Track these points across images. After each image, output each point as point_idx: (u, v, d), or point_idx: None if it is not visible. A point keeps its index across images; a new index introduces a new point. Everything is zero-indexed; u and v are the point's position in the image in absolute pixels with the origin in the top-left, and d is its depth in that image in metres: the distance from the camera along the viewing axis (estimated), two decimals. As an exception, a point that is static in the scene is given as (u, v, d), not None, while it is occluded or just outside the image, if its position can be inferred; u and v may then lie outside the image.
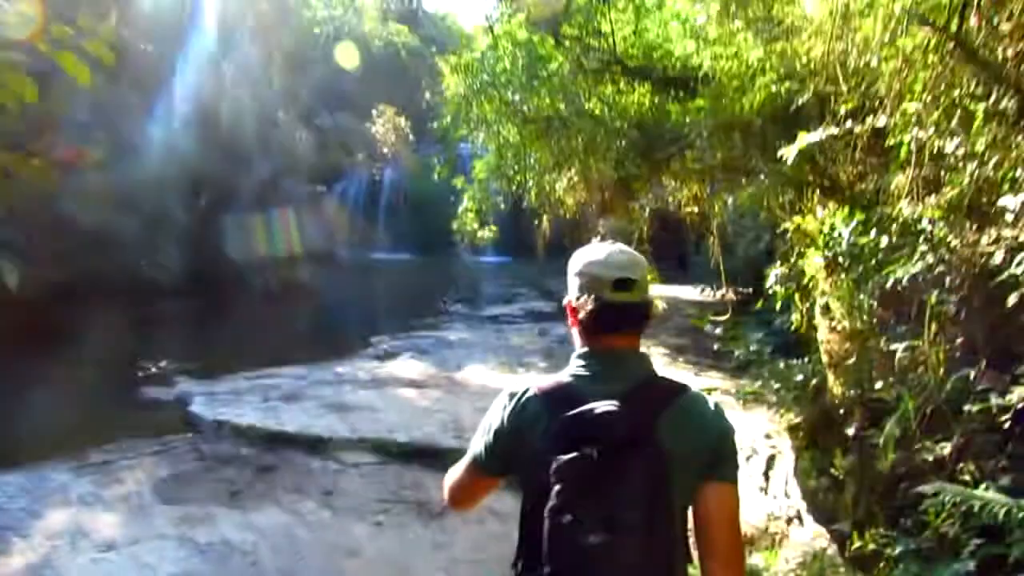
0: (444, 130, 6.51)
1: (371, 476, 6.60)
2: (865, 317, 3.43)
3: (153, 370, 10.55)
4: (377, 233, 25.89)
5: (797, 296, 6.58)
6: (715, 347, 9.39)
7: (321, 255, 18.91)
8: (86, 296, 13.31)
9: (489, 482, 1.92)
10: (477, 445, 1.87)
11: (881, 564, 2.75)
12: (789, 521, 3.92)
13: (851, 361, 3.28)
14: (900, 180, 3.22)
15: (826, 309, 5.98)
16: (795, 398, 3.64)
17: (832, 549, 3.36)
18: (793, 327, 6.99)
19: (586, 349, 1.82)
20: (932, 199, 3.08)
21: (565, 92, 5.49)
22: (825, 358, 6.13)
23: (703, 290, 13.01)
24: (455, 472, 1.96)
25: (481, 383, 9.78)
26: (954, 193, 2.98)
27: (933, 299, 2.95)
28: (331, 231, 19.51)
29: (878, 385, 3.12)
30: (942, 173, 3.11)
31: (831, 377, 5.97)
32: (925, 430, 2.81)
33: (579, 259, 1.83)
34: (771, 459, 3.93)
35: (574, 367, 1.81)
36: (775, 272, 6.85)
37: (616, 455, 1.58)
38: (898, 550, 2.70)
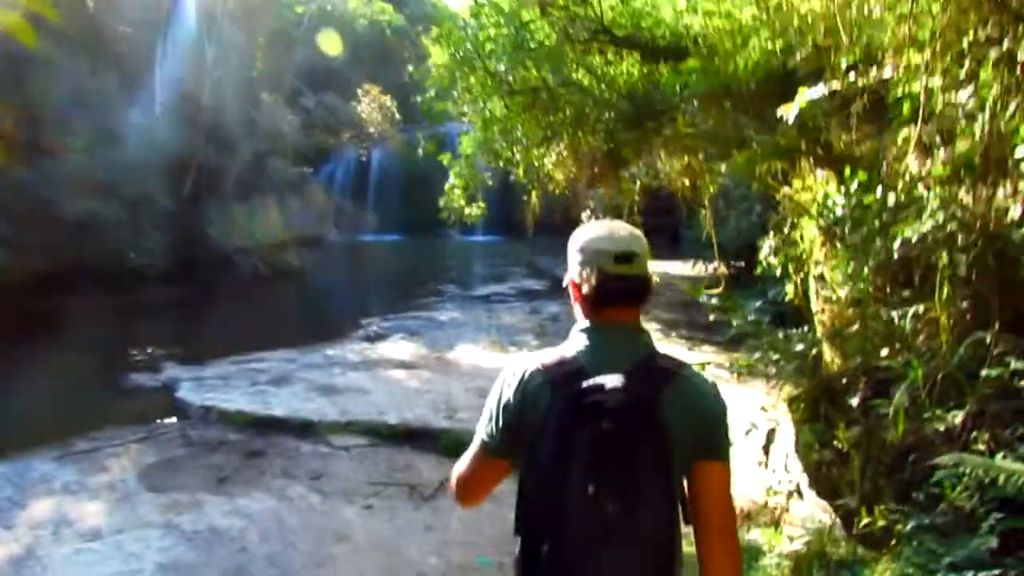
0: (428, 104, 6.33)
1: (361, 459, 6.49)
2: (866, 283, 3.29)
3: (140, 357, 10.40)
4: (366, 215, 25.69)
5: (791, 267, 6.48)
6: (710, 317, 9.31)
7: (309, 238, 18.73)
8: (72, 284, 13.17)
9: (501, 466, 1.86)
10: (484, 429, 1.84)
11: (892, 541, 2.62)
12: (789, 495, 3.81)
13: (853, 328, 3.13)
14: (906, 134, 3.05)
15: (821, 279, 5.87)
16: (796, 369, 3.50)
17: (837, 525, 3.25)
18: (787, 298, 6.90)
19: (588, 324, 1.82)
20: (942, 153, 2.92)
21: (552, 63, 5.32)
22: (820, 329, 6.04)
23: (695, 264, 12.90)
24: (461, 465, 1.92)
25: (473, 363, 9.68)
26: (965, 146, 2.81)
27: (944, 258, 2.79)
28: (319, 213, 19.30)
29: (883, 353, 2.98)
30: (951, 126, 2.95)
31: (827, 348, 5.88)
32: (936, 399, 2.68)
33: (580, 236, 1.85)
34: (771, 433, 3.80)
35: (576, 342, 1.81)
36: (768, 243, 6.74)
37: (626, 428, 1.62)
38: (911, 526, 2.56)
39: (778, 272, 7.69)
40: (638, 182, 6.19)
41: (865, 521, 2.75)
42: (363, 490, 5.78)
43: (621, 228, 1.84)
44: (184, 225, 15.20)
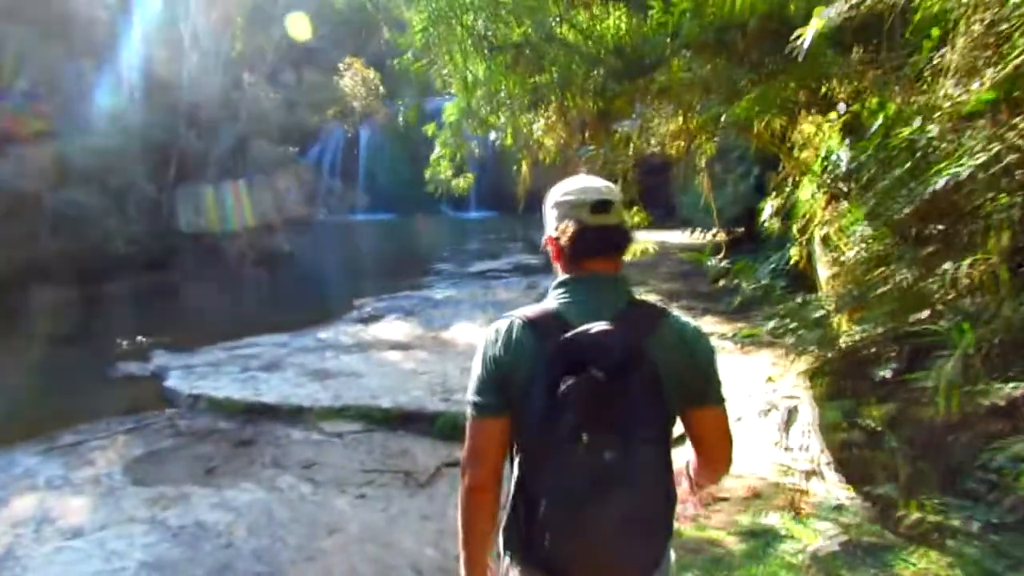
0: (405, 65, 6.01)
1: (354, 445, 6.27)
2: (887, 238, 3.00)
3: (128, 346, 10.15)
4: (356, 194, 25.33)
5: (795, 228, 6.22)
6: (715, 284, 9.05)
7: (299, 219, 18.41)
8: (56, 274, 12.87)
9: (500, 425, 1.76)
10: (474, 393, 1.78)
11: (949, 540, 2.33)
12: (808, 476, 3.58)
13: (880, 291, 2.84)
14: (948, 57, 2.71)
15: (826, 241, 5.62)
16: (817, 338, 3.22)
17: (867, 513, 3.00)
18: (791, 262, 6.65)
19: (567, 276, 1.82)
20: (990, 72, 2.57)
21: (533, 17, 5.01)
22: (827, 294, 5.79)
23: (692, 232, 12.62)
24: (464, 451, 1.81)
25: (469, 341, 9.42)
26: (1017, 62, 2.45)
27: (1004, 199, 2.43)
28: (308, 194, 18.95)
29: (919, 316, 2.69)
30: (996, 43, 2.62)
31: (836, 314, 5.63)
32: (988, 368, 2.40)
33: (555, 192, 1.86)
34: (791, 412, 3.53)
35: (557, 294, 1.80)
36: (769, 204, 6.48)
37: (618, 374, 1.61)
38: (976, 526, 2.28)
39: (777, 237, 7.45)
40: (631, 145, 5.91)
41: (913, 516, 2.45)
42: (356, 478, 5.55)
43: (595, 180, 1.84)
44: (168, 211, 14.89)
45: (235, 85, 15.54)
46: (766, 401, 3.57)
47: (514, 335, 1.74)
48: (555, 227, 1.83)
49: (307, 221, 18.57)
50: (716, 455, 1.84)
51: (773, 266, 5.88)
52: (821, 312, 3.27)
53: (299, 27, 18.69)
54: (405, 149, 21.14)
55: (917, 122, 2.30)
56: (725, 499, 4.54)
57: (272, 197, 17.12)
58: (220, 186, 15.01)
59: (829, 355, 3.15)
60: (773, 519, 3.56)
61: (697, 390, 1.75)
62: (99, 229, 13.40)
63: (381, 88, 17.31)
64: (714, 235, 10.98)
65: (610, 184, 1.84)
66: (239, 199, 15.65)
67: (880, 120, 2.45)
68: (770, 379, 6.15)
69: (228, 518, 4.93)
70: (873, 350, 2.92)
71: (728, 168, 11.00)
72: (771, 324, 3.76)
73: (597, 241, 1.78)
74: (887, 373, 2.83)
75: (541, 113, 6.86)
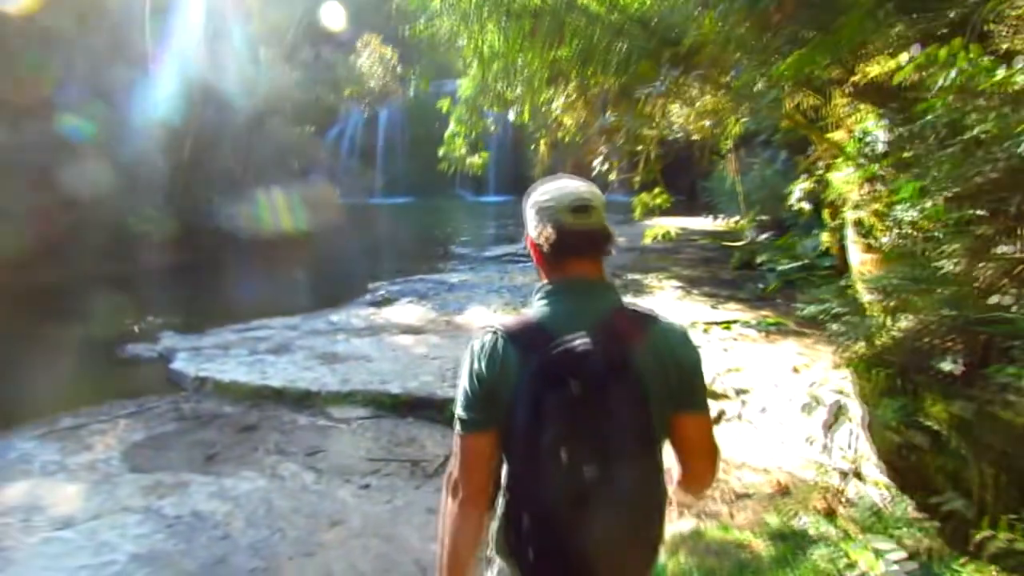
0: (419, 35, 5.73)
1: (361, 432, 6.03)
2: (943, 218, 2.69)
3: (137, 326, 10.00)
4: (375, 176, 25.13)
5: (826, 213, 5.90)
6: (741, 269, 8.70)
7: (316, 201, 18.18)
8: (69, 252, 12.74)
9: (488, 440, 1.73)
10: (461, 408, 1.75)
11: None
12: (845, 477, 3.28)
13: (952, 268, 2.51)
14: None
15: (859, 225, 5.30)
16: (869, 326, 2.90)
17: (929, 528, 2.70)
18: (823, 248, 6.32)
19: (550, 283, 1.80)
20: None
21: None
22: (859, 282, 5.46)
23: (715, 218, 12.26)
24: (453, 466, 1.77)
25: (483, 326, 9.16)
26: None
27: None
28: (326, 175, 18.71)
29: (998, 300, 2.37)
30: None
31: (869, 302, 5.30)
32: None
33: (534, 194, 1.85)
34: (839, 408, 3.21)
35: (539, 303, 1.78)
36: (799, 187, 6.15)
37: (599, 388, 1.59)
38: None
39: (806, 223, 7.11)
40: (657, 113, 5.60)
41: (994, 539, 2.14)
42: (361, 467, 5.32)
43: (575, 181, 1.82)
44: (185, 190, 14.69)
45: (253, 62, 15.25)
46: (808, 395, 3.26)
47: (497, 350, 1.71)
48: (535, 230, 1.81)
49: (325, 202, 18.31)
50: (697, 465, 1.80)
51: (813, 245, 5.57)
52: (874, 296, 2.95)
53: (333, 16, 18.40)
54: (424, 132, 20.83)
55: (1002, 71, 1.98)
56: (749, 496, 4.26)
57: (290, 176, 16.86)
58: (236, 166, 14.77)
59: (881, 345, 2.83)
60: (804, 521, 3.28)
61: (681, 396, 1.71)
62: (113, 206, 13.21)
63: (399, 68, 17.02)
64: (737, 221, 10.64)
65: (591, 186, 1.82)
66: (257, 178, 15.38)
67: (951, 74, 2.12)
68: (796, 369, 5.85)
69: (226, 508, 4.71)
70: (933, 341, 2.60)
71: (753, 153, 10.63)
72: (811, 308, 3.44)
73: (577, 243, 1.76)
74: (953, 367, 2.50)
75: (560, 90, 6.55)
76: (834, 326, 3.09)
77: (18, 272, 11.46)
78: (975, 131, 2.17)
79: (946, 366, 2.49)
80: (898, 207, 4.35)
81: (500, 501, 1.76)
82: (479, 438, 1.73)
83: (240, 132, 14.81)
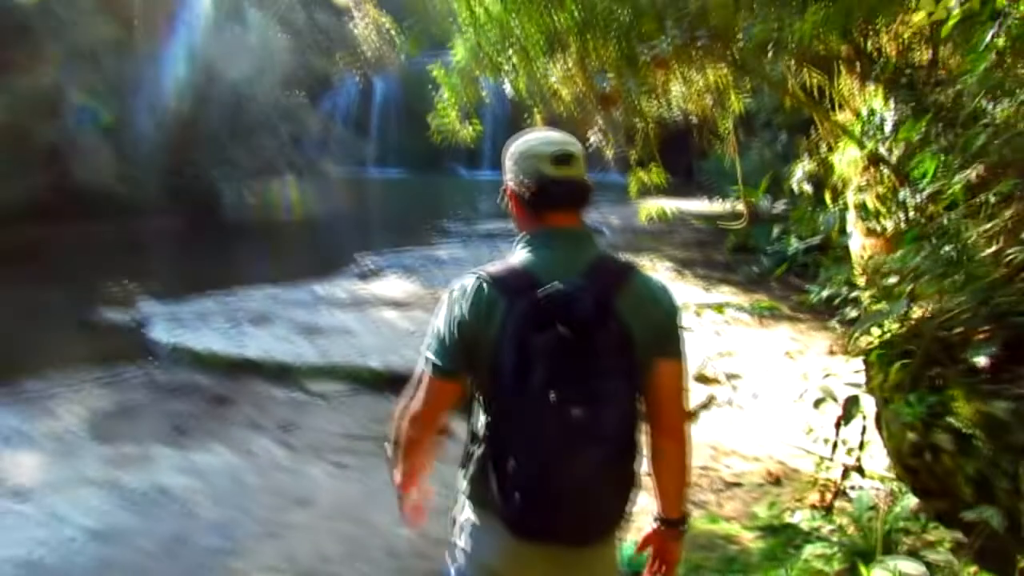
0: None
1: (339, 408, 5.83)
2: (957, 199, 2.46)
3: (116, 291, 9.72)
4: (368, 148, 24.73)
5: (828, 196, 5.68)
6: (735, 252, 8.51)
7: (308, 170, 17.85)
8: (51, 214, 12.42)
9: (454, 388, 1.79)
10: (433, 351, 1.77)
11: None
12: (846, 473, 3.07)
13: (976, 252, 2.28)
14: None
15: (862, 208, 5.10)
16: (891, 312, 2.66)
17: (950, 541, 2.48)
18: (822, 230, 6.11)
19: (532, 231, 1.80)
20: None
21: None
22: (858, 267, 5.27)
23: (712, 199, 12.02)
24: (406, 400, 1.86)
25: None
26: None
27: None
28: (316, 145, 18.35)
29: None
30: None
31: (866, 290, 5.12)
32: None
33: (515, 144, 1.84)
34: (851, 403, 2.94)
35: (523, 250, 1.79)
36: (801, 167, 5.92)
37: (586, 332, 1.62)
38: None
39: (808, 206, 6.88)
40: (656, 95, 5.34)
41: None
42: (336, 444, 5.11)
43: (556, 132, 1.82)
44: (172, 155, 14.31)
45: (242, 24, 14.81)
46: (820, 389, 3.03)
47: (482, 294, 1.70)
48: (515, 180, 1.81)
49: (317, 173, 17.96)
50: (671, 410, 1.78)
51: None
52: (895, 278, 2.67)
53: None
54: (420, 105, 20.46)
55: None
56: (739, 485, 4.08)
57: (277, 144, 16.52)
58: (221, 129, 14.39)
59: (898, 334, 2.59)
60: (799, 516, 3.08)
61: (660, 343, 1.74)
62: (95, 168, 12.86)
63: (395, 37, 16.60)
64: (734, 205, 10.42)
65: (571, 137, 1.81)
66: (246, 144, 15.00)
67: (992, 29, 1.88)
68: (789, 355, 5.67)
69: (192, 484, 4.49)
70: (960, 330, 2.37)
71: (753, 133, 10.38)
72: (825, 293, 3.21)
73: (559, 194, 1.75)
74: (983, 360, 2.26)
75: (558, 60, 6.26)
76: (850, 312, 2.85)
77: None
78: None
79: (979, 359, 2.24)
80: (904, 191, 4.15)
81: (476, 452, 1.77)
82: (448, 383, 1.77)
83: (227, 96, 14.40)
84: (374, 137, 25.56)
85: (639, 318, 1.69)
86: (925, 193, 2.96)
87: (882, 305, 2.64)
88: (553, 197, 1.75)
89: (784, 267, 5.12)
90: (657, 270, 9.48)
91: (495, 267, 1.76)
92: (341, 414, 5.69)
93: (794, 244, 4.58)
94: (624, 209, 12.56)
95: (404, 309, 8.67)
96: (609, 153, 6.48)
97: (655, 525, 1.85)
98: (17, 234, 11.33)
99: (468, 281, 1.75)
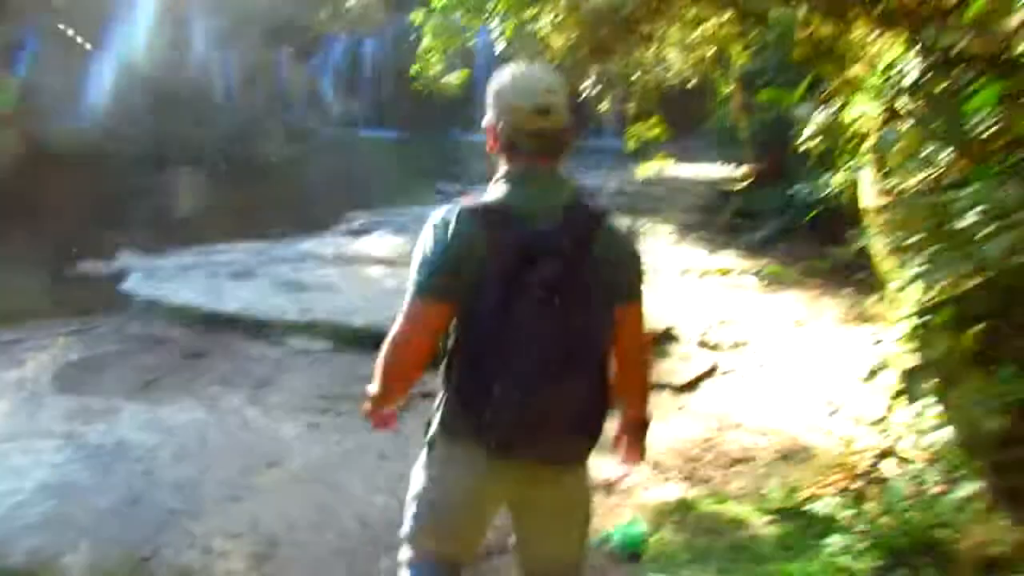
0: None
1: (318, 366, 5.54)
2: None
3: (96, 243, 9.39)
4: (361, 108, 24.24)
5: (839, 153, 5.37)
6: (738, 217, 8.26)
7: (297, 130, 17.41)
8: (36, 166, 12.05)
9: (440, 310, 1.76)
10: (421, 275, 1.76)
11: None
12: (882, 457, 2.78)
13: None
14: None
15: (880, 165, 4.80)
16: (962, 263, 2.27)
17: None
18: (830, 193, 5.81)
19: (511, 168, 1.82)
20: None
21: None
22: (875, 229, 4.98)
23: (714, 163, 11.64)
24: (402, 327, 1.80)
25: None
26: None
27: None
28: (304, 103, 17.90)
29: None
30: None
31: (882, 253, 4.84)
32: None
33: (496, 82, 1.83)
34: (915, 378, 2.59)
35: (502, 186, 1.81)
36: (811, 123, 5.59)
37: (567, 266, 1.68)
38: None
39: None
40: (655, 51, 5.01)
41: None
42: (312, 404, 4.83)
43: (539, 78, 1.81)
44: (158, 110, 13.87)
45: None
46: (878, 357, 2.71)
47: (462, 227, 1.72)
48: (494, 122, 1.82)
49: (306, 133, 17.52)
50: (632, 351, 1.91)
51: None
52: (973, 219, 2.23)
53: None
54: (413, 65, 19.93)
55: None
56: (746, 461, 3.80)
57: (268, 102, 16.08)
58: (200, 86, 13.91)
59: (969, 290, 2.22)
60: (821, 505, 2.79)
61: (628, 288, 1.85)
62: (69, 116, 12.46)
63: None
64: (737, 166, 10.08)
65: (553, 80, 1.81)
66: (230, 99, 14.57)
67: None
68: (799, 323, 5.39)
69: (155, 440, 4.21)
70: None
71: (755, 92, 9.97)
72: (859, 245, 2.87)
73: (536, 146, 1.77)
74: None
75: (548, 7, 5.90)
76: (910, 269, 2.46)
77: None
78: None
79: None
80: (928, 146, 3.86)
81: (454, 382, 1.79)
82: (437, 307, 1.75)
83: (204, 50, 13.93)
84: (365, 98, 25.02)
85: (612, 261, 1.77)
86: (983, 127, 2.60)
87: (953, 254, 2.24)
88: (530, 148, 1.77)
89: (810, 216, 4.80)
90: (657, 234, 9.16)
91: (476, 201, 1.78)
92: (319, 373, 5.40)
93: (807, 194, 4.31)
94: (621, 173, 12.20)
95: (391, 266, 8.34)
96: (605, 107, 6.13)
97: (624, 427, 2.06)
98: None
99: (450, 212, 1.75)
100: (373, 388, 1.90)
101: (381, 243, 9.72)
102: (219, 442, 4.22)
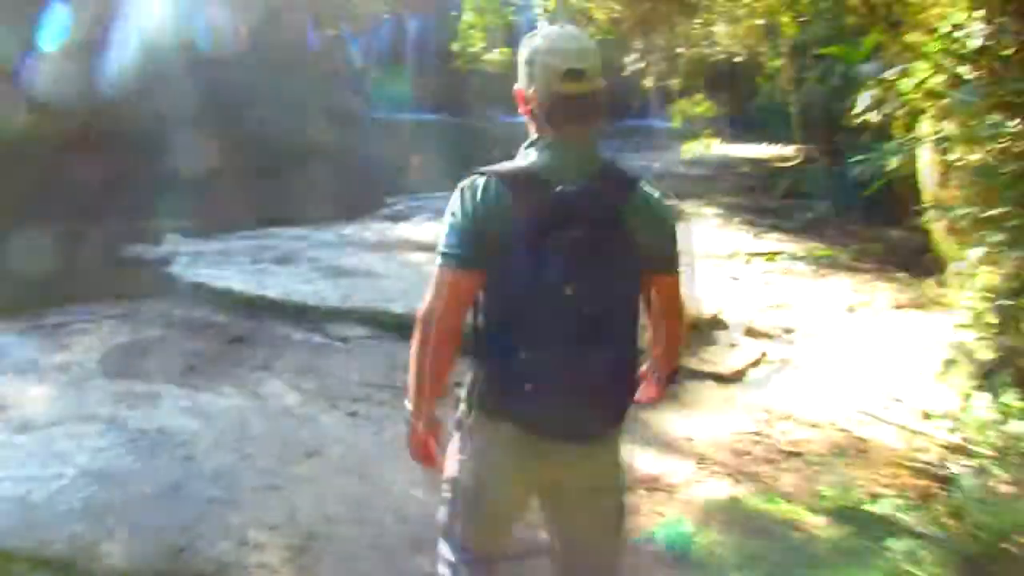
0: None
1: (358, 353, 5.51)
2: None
3: (145, 227, 9.54)
4: (405, 91, 24.24)
5: (898, 127, 5.14)
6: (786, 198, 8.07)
7: (342, 113, 17.44)
8: (90, 148, 12.24)
9: (470, 279, 1.74)
10: (450, 244, 1.74)
11: None
12: (950, 451, 2.63)
13: None
14: None
15: (942, 141, 4.58)
16: None
17: None
18: (888, 169, 5.59)
19: (540, 137, 1.79)
20: None
21: None
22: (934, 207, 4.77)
23: (761, 142, 11.36)
24: (434, 301, 1.77)
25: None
26: None
27: None
28: (350, 86, 17.88)
29: None
30: None
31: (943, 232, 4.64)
32: None
33: (528, 45, 1.79)
34: (997, 371, 2.44)
35: (532, 153, 1.79)
36: (866, 95, 5.36)
37: (598, 232, 1.66)
38: None
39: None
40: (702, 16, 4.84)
41: None
42: (352, 392, 4.80)
43: (572, 40, 1.77)
44: (203, 92, 13.98)
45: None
46: (953, 348, 2.55)
47: (491, 192, 1.71)
48: (526, 86, 1.78)
49: (352, 116, 17.52)
50: (672, 326, 1.93)
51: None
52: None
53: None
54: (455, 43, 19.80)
55: None
56: (797, 455, 3.66)
57: (314, 85, 16.09)
58: (252, 67, 13.96)
59: None
60: (884, 507, 2.65)
61: (662, 257, 1.82)
62: (130, 104, 12.60)
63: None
64: (785, 144, 9.80)
65: (587, 43, 1.77)
66: (276, 82, 14.59)
67: None
68: (851, 308, 5.20)
69: (195, 426, 4.22)
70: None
71: (804, 67, 9.63)
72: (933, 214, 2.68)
73: (568, 111, 1.73)
74: None
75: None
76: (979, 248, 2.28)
77: (34, 162, 10.97)
78: None
79: None
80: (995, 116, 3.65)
81: (483, 357, 1.79)
82: (468, 275, 1.73)
83: (254, 31, 13.91)
84: (411, 81, 25.01)
85: (645, 227, 1.73)
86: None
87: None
88: (562, 113, 1.73)
89: (869, 190, 4.60)
90: (703, 215, 8.97)
91: (503, 168, 1.76)
92: (359, 359, 5.38)
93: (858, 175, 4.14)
94: (664, 154, 11.98)
95: (432, 252, 8.30)
96: (648, 82, 5.98)
97: (651, 368, 2.04)
98: (53, 164, 11.17)
99: (478, 180, 1.74)
100: (408, 384, 1.87)
101: (422, 229, 9.68)
102: (259, 429, 4.21)
